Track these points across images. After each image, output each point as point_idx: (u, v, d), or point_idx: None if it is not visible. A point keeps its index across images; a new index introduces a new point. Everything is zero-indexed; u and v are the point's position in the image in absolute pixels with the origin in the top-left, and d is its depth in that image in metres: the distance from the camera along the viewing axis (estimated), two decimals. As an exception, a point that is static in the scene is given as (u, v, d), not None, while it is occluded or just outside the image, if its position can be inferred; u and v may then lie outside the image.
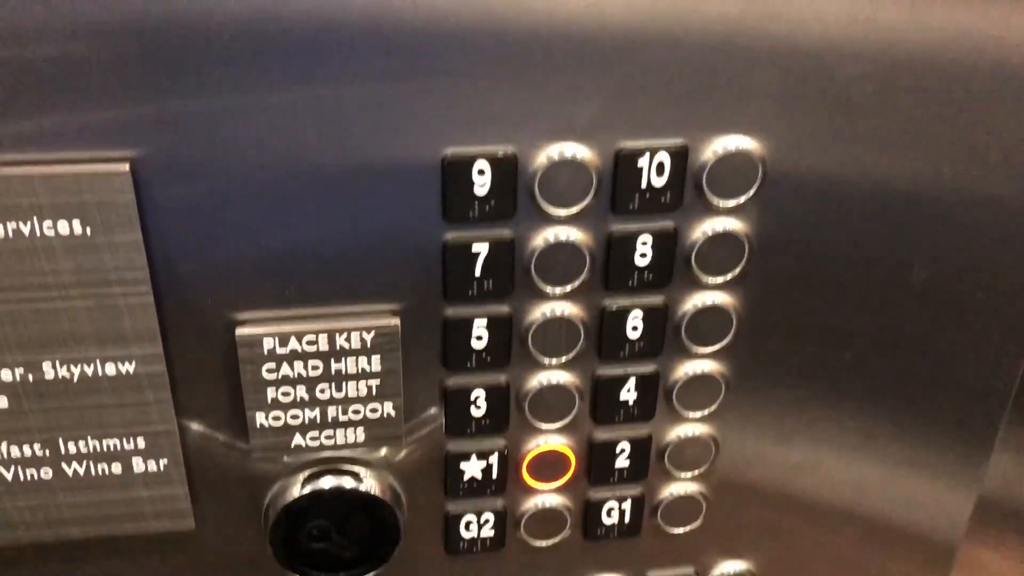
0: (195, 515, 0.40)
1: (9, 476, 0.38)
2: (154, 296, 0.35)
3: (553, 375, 0.40)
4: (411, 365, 0.39)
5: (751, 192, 0.37)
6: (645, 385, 0.41)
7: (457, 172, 0.35)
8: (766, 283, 0.39)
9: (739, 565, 0.48)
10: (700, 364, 0.41)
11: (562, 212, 0.36)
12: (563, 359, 0.40)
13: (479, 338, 0.39)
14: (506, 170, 0.35)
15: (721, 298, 0.39)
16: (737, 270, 0.39)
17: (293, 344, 0.37)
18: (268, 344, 0.37)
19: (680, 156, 0.36)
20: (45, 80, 0.31)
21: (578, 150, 0.35)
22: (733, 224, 0.38)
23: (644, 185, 0.36)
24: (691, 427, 0.43)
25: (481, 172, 0.35)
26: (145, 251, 0.34)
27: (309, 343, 0.37)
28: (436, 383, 0.40)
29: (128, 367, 0.36)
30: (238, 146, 0.33)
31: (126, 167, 0.33)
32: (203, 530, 0.41)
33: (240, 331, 0.37)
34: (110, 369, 0.36)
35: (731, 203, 0.37)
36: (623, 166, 0.36)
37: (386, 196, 0.35)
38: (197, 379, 0.38)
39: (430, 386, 0.40)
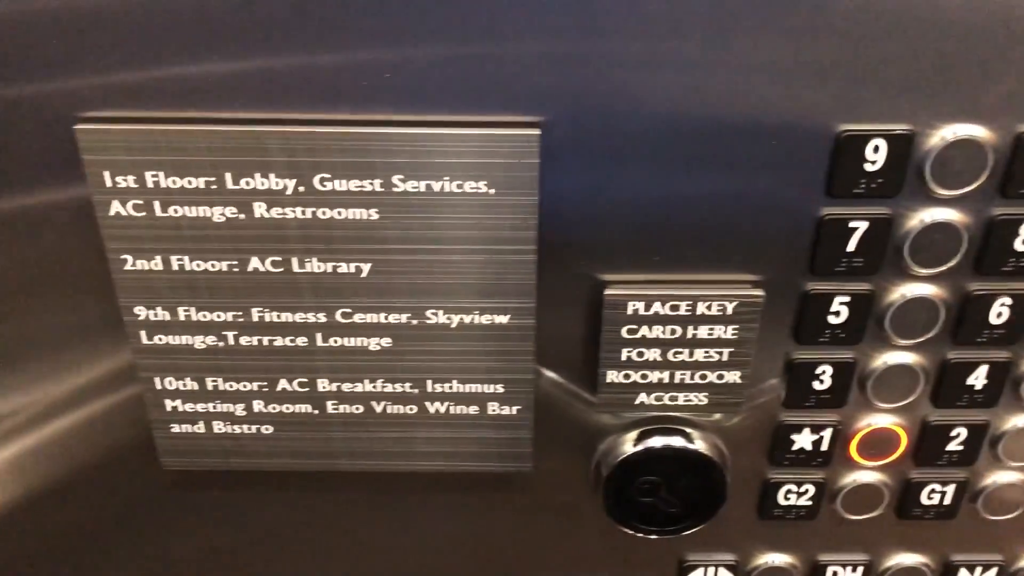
0: (534, 459, 0.42)
1: (379, 409, 0.41)
2: (536, 255, 0.37)
3: (901, 356, 0.40)
4: (761, 334, 0.39)
5: None
6: (996, 372, 0.40)
7: (851, 148, 0.34)
8: None
9: (1053, 558, 0.47)
10: (1061, 355, 0.40)
11: (948, 193, 0.35)
12: (915, 340, 0.39)
13: (836, 314, 0.38)
14: (901, 149, 0.34)
15: (1098, 290, 0.38)
16: (1123, 262, 0.37)
17: (656, 308, 0.38)
18: (632, 306, 0.38)
19: (1087, 143, 0.34)
20: (465, 44, 0.33)
21: (976, 131, 0.34)
22: None
23: (1042, 171, 0.35)
24: (1033, 418, 0.42)
25: (876, 149, 0.34)
26: (537, 216, 0.36)
27: (672, 308, 0.38)
28: (782, 354, 0.40)
29: (502, 319, 0.38)
30: (634, 111, 0.34)
31: (537, 131, 0.34)
32: (538, 474, 0.43)
33: (608, 292, 0.38)
34: (486, 319, 0.38)
35: None
36: (1021, 150, 0.34)
37: (770, 166, 0.35)
38: (558, 333, 0.39)
39: (775, 356, 0.40)
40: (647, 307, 0.38)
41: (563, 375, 0.41)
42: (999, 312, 0.38)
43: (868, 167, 0.35)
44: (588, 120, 0.34)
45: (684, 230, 0.37)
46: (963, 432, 0.42)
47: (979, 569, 0.47)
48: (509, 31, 0.33)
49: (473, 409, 0.41)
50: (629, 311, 0.38)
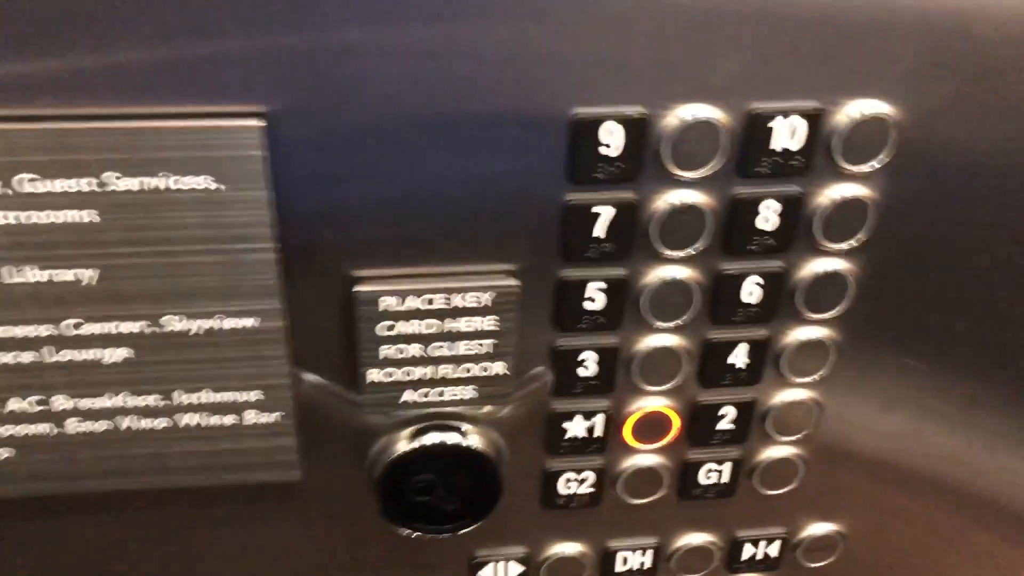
0: (302, 466, 0.41)
1: (124, 425, 0.38)
2: (277, 252, 0.35)
3: (663, 338, 0.40)
4: (522, 324, 0.39)
5: (883, 158, 0.36)
6: (755, 350, 0.41)
7: (586, 132, 0.34)
8: (887, 251, 0.39)
9: (829, 527, 0.48)
10: (812, 330, 0.41)
11: (688, 175, 0.36)
12: (675, 322, 0.39)
13: (592, 300, 0.38)
14: (636, 131, 0.34)
15: (840, 264, 0.39)
16: (859, 237, 0.38)
17: (411, 302, 0.37)
18: (386, 302, 0.37)
19: (814, 119, 0.35)
20: (175, 31, 0.31)
21: (709, 111, 0.34)
22: (860, 190, 0.37)
23: (775, 148, 0.35)
24: (796, 392, 0.43)
25: (611, 133, 0.34)
26: (271, 210, 0.34)
27: (427, 302, 0.37)
28: (546, 343, 0.40)
29: (248, 322, 0.36)
30: (366, 99, 0.33)
31: (259, 122, 0.32)
32: (310, 481, 0.42)
33: (359, 288, 0.36)
34: (230, 323, 0.36)
35: (861, 169, 0.36)
36: (754, 128, 0.35)
37: (513, 153, 0.35)
38: (313, 334, 0.38)
39: (539, 345, 0.40)
40: (401, 302, 0.37)
41: (325, 377, 0.39)
42: (751, 291, 0.39)
43: (605, 151, 0.35)
44: (318, 111, 0.33)
45: (434, 222, 0.36)
46: (732, 411, 0.43)
47: (763, 543, 0.48)
48: (231, 20, 0.31)
49: (230, 419, 0.39)
50: (382, 307, 0.37)
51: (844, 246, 0.38)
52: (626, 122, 0.34)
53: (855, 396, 0.43)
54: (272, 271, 0.35)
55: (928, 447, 0.45)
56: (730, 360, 0.41)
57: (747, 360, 0.41)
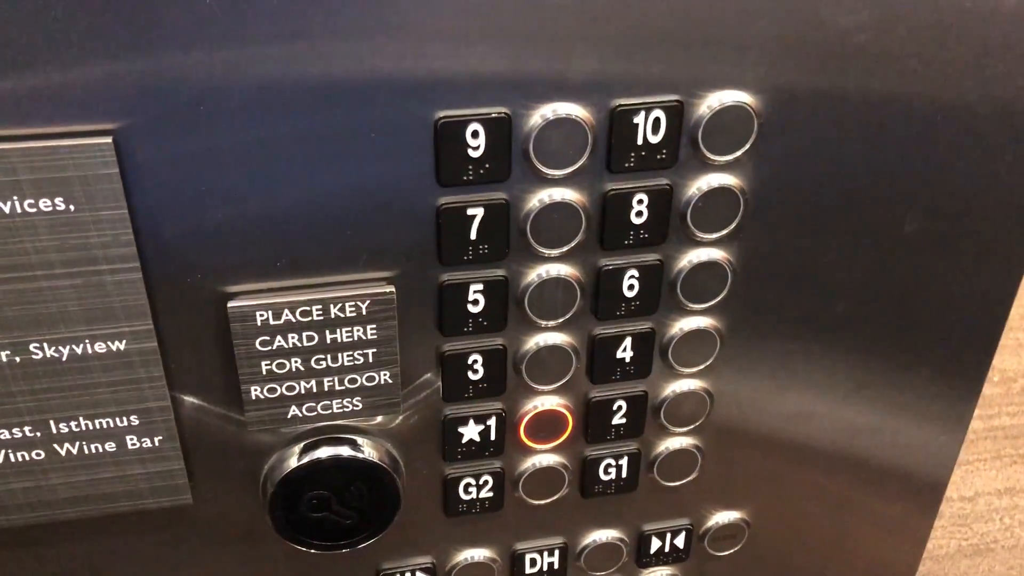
0: (192, 489, 0.40)
1: (0, 459, 0.37)
2: (142, 271, 0.34)
3: (549, 336, 0.40)
4: (407, 331, 0.38)
5: (746, 146, 0.36)
6: (641, 343, 0.41)
7: (451, 135, 0.34)
8: (760, 237, 0.39)
9: (733, 515, 0.49)
10: (695, 320, 0.41)
11: (557, 173, 0.36)
12: (559, 320, 0.40)
13: (475, 302, 0.38)
14: (500, 132, 0.34)
15: (716, 254, 0.39)
16: (732, 225, 0.38)
17: (287, 316, 0.36)
18: (261, 316, 0.36)
19: (675, 112, 0.35)
20: (20, 49, 0.30)
21: (572, 109, 0.35)
22: (728, 179, 0.37)
23: (640, 142, 0.36)
24: (686, 382, 0.43)
25: (475, 134, 0.34)
26: (131, 225, 0.33)
27: (303, 314, 0.36)
28: (432, 348, 0.39)
29: (118, 345, 0.35)
30: (222, 109, 0.32)
31: (109, 139, 0.31)
32: (201, 504, 0.41)
33: (232, 304, 0.36)
34: (100, 348, 0.35)
35: (726, 158, 0.37)
36: (618, 124, 0.35)
37: (377, 159, 0.34)
38: (189, 353, 0.37)
39: (426, 351, 0.39)
40: (276, 316, 0.36)
41: (206, 398, 0.38)
42: (631, 284, 0.39)
43: (472, 152, 0.35)
44: (170, 129, 0.32)
45: (305, 234, 0.35)
46: (624, 404, 0.43)
47: (669, 535, 0.48)
48: (77, 41, 0.30)
49: (110, 446, 0.38)
50: (259, 322, 0.36)
51: (718, 235, 0.38)
52: (490, 123, 0.34)
53: (745, 382, 0.44)
54: (139, 291, 0.34)
55: (822, 427, 0.46)
56: (618, 355, 0.41)
57: (634, 354, 0.41)
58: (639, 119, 0.35)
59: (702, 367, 0.42)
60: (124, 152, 0.32)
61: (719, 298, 0.40)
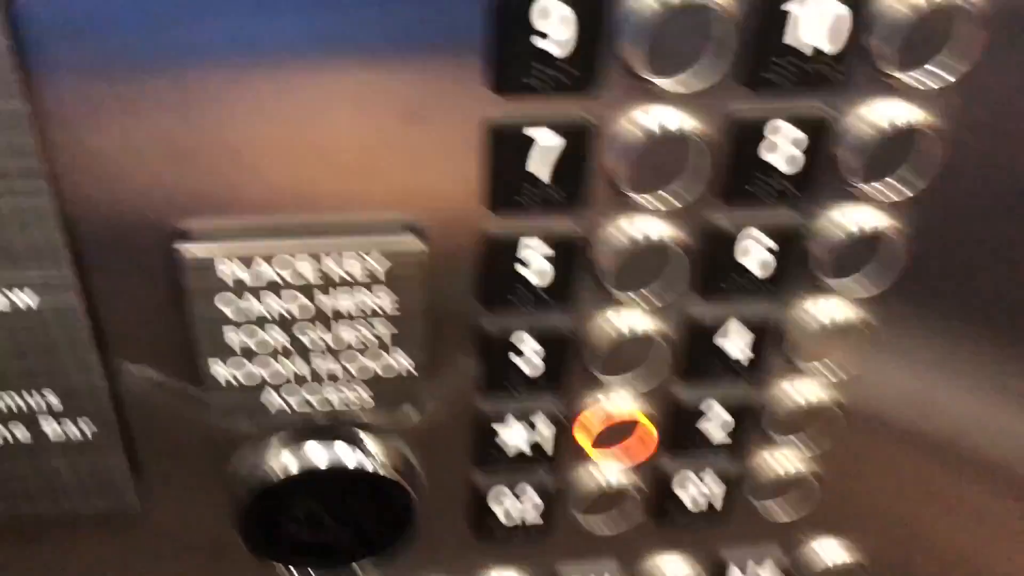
0: (139, 491, 0.30)
1: None
2: (55, 196, 0.23)
3: (631, 317, 0.29)
4: (435, 300, 0.28)
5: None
6: (755, 330, 0.30)
7: (513, 16, 0.23)
8: (944, 206, 0.27)
9: (832, 542, 0.38)
10: (837, 308, 0.30)
11: (668, 84, 0.24)
12: (646, 294, 0.28)
13: (529, 265, 0.27)
14: (592, 16, 0.23)
15: (881, 220, 0.27)
16: (913, 184, 0.27)
17: (264, 270, 0.25)
18: (227, 269, 0.25)
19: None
20: None
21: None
22: (914, 113, 0.25)
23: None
24: (813, 389, 0.32)
25: (551, 16, 0.23)
26: (36, 129, 0.22)
27: (287, 268, 0.26)
28: (468, 324, 0.28)
29: (28, 299, 0.25)
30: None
31: (-13, -9, 0.20)
32: (151, 510, 0.31)
33: (186, 249, 0.25)
34: (0, 304, 0.25)
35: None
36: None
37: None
38: (129, 313, 0.26)
39: (459, 328, 0.29)
40: (248, 267, 0.25)
41: (153, 372, 0.28)
42: (753, 252, 0.28)
43: (544, 44, 0.23)
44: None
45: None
46: (724, 412, 0.32)
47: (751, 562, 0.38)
48: None
49: (22, 434, 0.27)
50: (225, 276, 0.25)
51: (885, 192, 0.27)
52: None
53: (889, 394, 0.32)
54: (48, 224, 0.24)
55: (974, 443, 0.35)
56: (724, 346, 0.30)
57: (746, 345, 0.30)
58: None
59: (837, 371, 0.31)
60: (20, 27, 0.21)
61: (877, 281, 0.29)
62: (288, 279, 0.26)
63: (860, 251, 0.28)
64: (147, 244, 0.25)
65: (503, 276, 0.27)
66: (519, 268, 0.27)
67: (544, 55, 0.23)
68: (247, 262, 0.25)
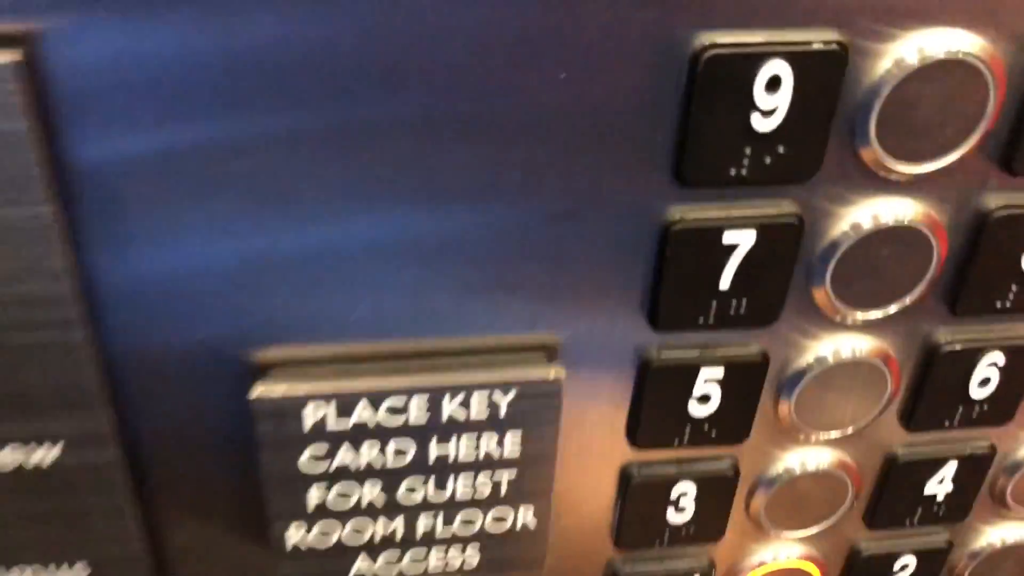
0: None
1: None
2: (88, 328, 0.17)
3: (816, 453, 0.23)
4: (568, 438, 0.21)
5: None
6: (970, 468, 0.23)
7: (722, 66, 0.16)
8: None
9: None
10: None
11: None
12: (837, 431, 0.22)
13: (704, 399, 0.21)
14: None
15: None
16: None
17: (361, 411, 0.19)
18: (313, 413, 0.19)
19: None
20: None
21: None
22: None
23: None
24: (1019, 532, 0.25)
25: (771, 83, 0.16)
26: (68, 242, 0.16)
27: (392, 410, 0.19)
28: (612, 465, 0.22)
29: (53, 454, 0.19)
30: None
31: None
32: None
33: (261, 392, 0.19)
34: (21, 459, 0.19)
35: None
36: None
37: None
38: (179, 468, 0.20)
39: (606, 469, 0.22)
40: (344, 411, 0.19)
41: (219, 537, 0.22)
42: (986, 378, 0.21)
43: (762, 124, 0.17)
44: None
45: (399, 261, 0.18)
46: (912, 561, 0.25)
47: None
48: None
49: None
50: (307, 423, 0.19)
51: None
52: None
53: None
54: (84, 363, 0.18)
55: None
56: (928, 489, 0.24)
57: (952, 485, 0.24)
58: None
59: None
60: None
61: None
62: (389, 423, 0.19)
63: None
64: (207, 383, 0.19)
65: (665, 407, 0.21)
66: (691, 403, 0.21)
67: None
68: (347, 407, 0.19)
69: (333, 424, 0.19)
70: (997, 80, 0.17)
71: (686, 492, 0.22)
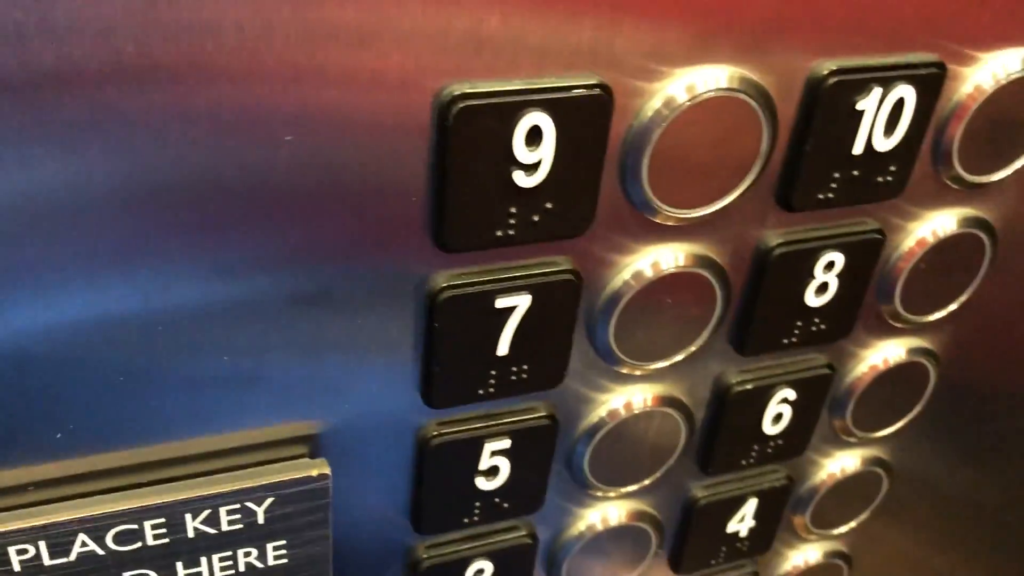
0: None
1: None
2: None
3: (621, 509, 0.21)
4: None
5: None
6: (769, 503, 0.23)
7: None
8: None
9: None
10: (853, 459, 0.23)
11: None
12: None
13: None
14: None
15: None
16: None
17: (80, 546, 0.16)
18: (18, 555, 0.15)
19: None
20: None
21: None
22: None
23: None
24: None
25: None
26: None
27: (122, 537, 0.16)
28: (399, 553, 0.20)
29: None
30: None
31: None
32: None
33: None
34: None
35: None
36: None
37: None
38: None
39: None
40: (33, 548, 0.16)
41: None
42: (778, 414, 0.21)
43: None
44: None
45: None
46: (721, 598, 0.24)
47: None
48: None
49: None
50: (14, 566, 0.16)
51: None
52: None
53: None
54: None
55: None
56: (730, 528, 0.23)
57: (754, 522, 0.23)
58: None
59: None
60: None
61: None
62: (125, 551, 0.16)
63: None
64: None
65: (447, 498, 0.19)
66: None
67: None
68: (60, 540, 0.15)
69: (50, 562, 0.16)
70: (770, 116, 0.16)
71: (483, 569, 0.20)
